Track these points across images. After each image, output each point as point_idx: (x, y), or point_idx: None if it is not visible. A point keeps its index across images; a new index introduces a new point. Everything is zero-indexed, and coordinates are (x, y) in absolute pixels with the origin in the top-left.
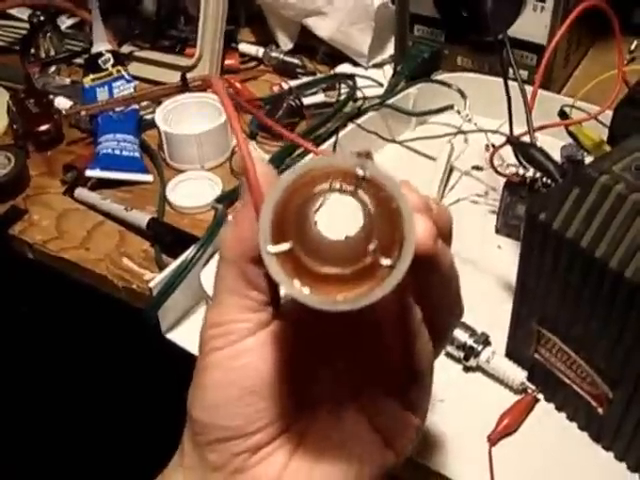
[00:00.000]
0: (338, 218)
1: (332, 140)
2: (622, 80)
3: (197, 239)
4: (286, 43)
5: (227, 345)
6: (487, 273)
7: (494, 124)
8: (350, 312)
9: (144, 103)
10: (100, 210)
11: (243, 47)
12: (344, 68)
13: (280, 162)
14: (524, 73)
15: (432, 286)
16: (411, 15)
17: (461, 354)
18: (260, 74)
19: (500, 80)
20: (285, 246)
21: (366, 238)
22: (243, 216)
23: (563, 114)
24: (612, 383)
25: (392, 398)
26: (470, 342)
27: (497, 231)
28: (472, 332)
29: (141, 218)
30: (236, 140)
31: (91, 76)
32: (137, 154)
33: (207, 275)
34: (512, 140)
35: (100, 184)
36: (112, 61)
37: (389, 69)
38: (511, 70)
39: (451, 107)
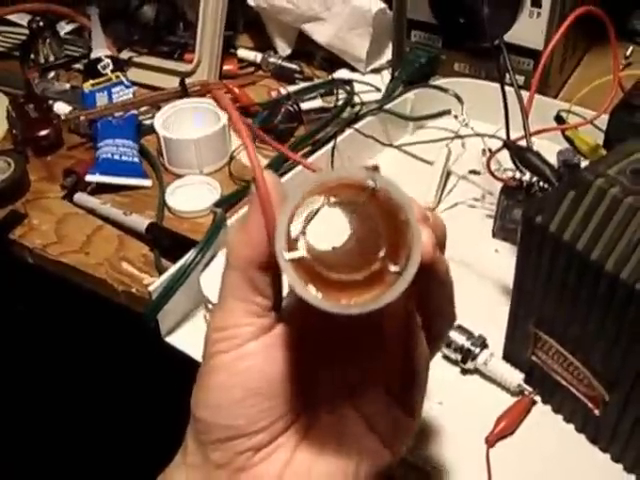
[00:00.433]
0: (329, 229)
1: (330, 145)
2: (618, 85)
3: (196, 243)
4: (284, 49)
5: (231, 348)
6: (484, 276)
7: (491, 129)
8: (359, 316)
9: (143, 108)
10: (100, 215)
11: (241, 53)
12: (342, 73)
13: (278, 167)
14: (520, 78)
15: (429, 292)
16: (408, 21)
17: (459, 357)
18: (258, 79)
19: (497, 85)
20: (300, 253)
21: (374, 246)
22: (252, 223)
23: (559, 119)
24: (608, 385)
25: (390, 399)
26: (468, 345)
27: (494, 235)
28: (469, 335)
29: (140, 222)
30: (246, 153)
31: (90, 81)
32: (136, 159)
33: (206, 279)
34: (509, 144)
35: (99, 189)
36: (111, 66)
37: (387, 74)
38: (508, 75)
39: (448, 112)
